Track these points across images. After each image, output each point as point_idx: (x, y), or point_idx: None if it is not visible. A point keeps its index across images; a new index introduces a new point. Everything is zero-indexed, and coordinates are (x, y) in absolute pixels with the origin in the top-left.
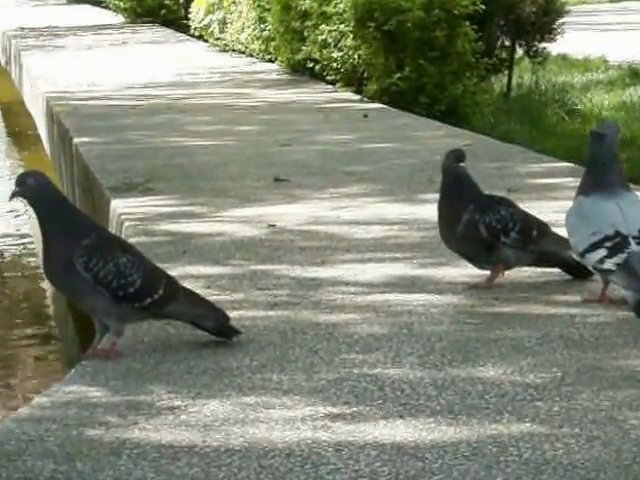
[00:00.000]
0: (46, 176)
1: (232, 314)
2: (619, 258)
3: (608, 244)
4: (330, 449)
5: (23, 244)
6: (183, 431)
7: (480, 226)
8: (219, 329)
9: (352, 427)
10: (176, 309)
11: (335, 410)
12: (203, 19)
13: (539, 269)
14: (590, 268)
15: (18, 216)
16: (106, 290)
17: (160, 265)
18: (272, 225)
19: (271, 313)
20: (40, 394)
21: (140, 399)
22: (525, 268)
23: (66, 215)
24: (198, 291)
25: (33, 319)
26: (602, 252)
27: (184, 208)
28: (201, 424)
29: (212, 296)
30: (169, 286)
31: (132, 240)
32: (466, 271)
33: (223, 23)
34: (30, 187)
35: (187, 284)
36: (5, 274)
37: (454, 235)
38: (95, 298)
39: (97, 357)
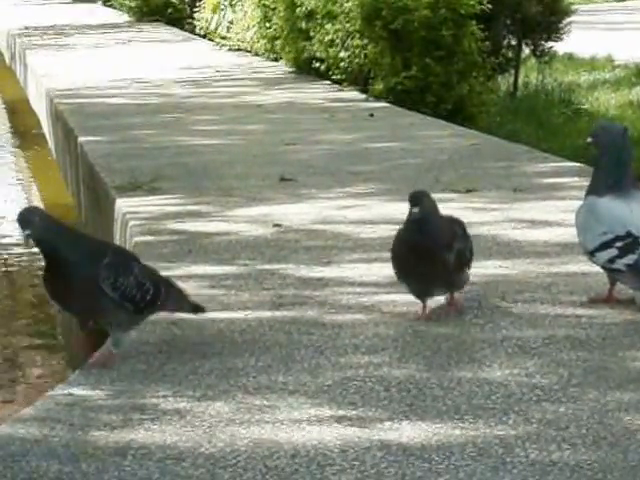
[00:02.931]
0: (42, 209)
1: (237, 314)
2: (629, 259)
3: (619, 244)
4: (336, 450)
5: (27, 248)
6: (188, 432)
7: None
8: (191, 308)
9: (358, 428)
10: (171, 303)
11: (341, 411)
12: (209, 18)
13: (546, 269)
14: (599, 266)
15: None
16: (131, 304)
17: (166, 265)
18: (278, 225)
19: (277, 313)
20: (44, 395)
21: (145, 400)
22: (532, 268)
23: (76, 240)
24: (204, 291)
25: (37, 320)
26: (612, 252)
27: (189, 207)
28: (206, 425)
29: (217, 296)
30: (164, 283)
31: (137, 239)
32: (473, 270)
33: (229, 22)
34: (38, 226)
35: (192, 283)
36: (10, 276)
37: None
38: (119, 314)
39: (98, 365)
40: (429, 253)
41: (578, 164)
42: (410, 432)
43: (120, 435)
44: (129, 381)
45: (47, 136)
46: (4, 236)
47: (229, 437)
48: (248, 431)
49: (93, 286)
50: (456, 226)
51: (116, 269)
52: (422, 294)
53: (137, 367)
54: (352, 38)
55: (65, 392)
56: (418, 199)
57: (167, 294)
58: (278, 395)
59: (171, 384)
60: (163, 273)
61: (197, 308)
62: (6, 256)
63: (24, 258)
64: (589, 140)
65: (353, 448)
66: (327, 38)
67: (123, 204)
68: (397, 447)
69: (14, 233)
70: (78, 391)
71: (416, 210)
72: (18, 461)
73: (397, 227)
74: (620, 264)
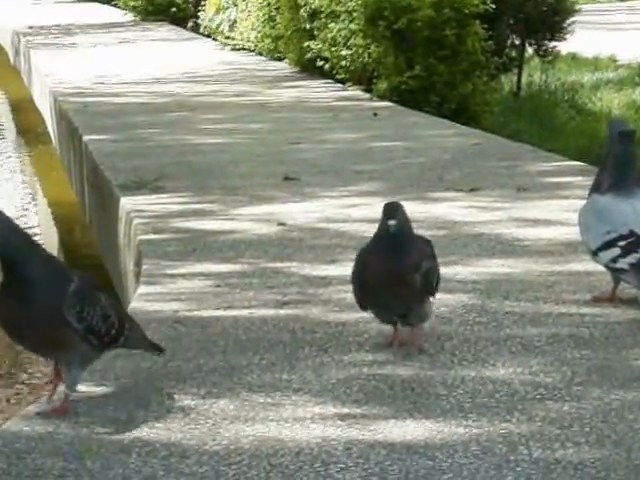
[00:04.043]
0: (6, 215)
1: (242, 312)
2: (633, 258)
3: (622, 243)
4: (340, 448)
5: None
6: (192, 429)
7: None
8: (150, 348)
9: (362, 426)
10: (134, 340)
11: (345, 409)
12: (213, 18)
13: (549, 268)
14: (602, 266)
15: (27, 222)
16: (96, 338)
17: (170, 263)
18: (282, 223)
19: (281, 312)
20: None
21: (149, 397)
22: (536, 267)
23: (42, 258)
24: (208, 290)
25: None
26: (616, 251)
27: (194, 206)
28: (210, 422)
29: (222, 294)
30: (127, 317)
31: (142, 238)
32: (476, 269)
33: (233, 21)
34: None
35: (196, 282)
36: None
37: None
38: (81, 349)
39: (54, 414)
40: (399, 272)
41: (581, 163)
42: (414, 430)
43: (124, 432)
44: (134, 378)
45: (51, 135)
46: None
47: (233, 435)
48: (252, 429)
49: (57, 314)
50: (426, 245)
51: (83, 297)
52: (390, 317)
53: (141, 364)
54: (355, 37)
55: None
56: (394, 211)
57: (131, 330)
58: (282, 393)
59: (175, 381)
60: (167, 272)
61: (157, 348)
62: None
63: None
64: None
65: (357, 446)
66: (330, 35)
67: (127, 203)
68: (401, 445)
69: None
70: (83, 388)
71: (393, 222)
72: (23, 458)
73: None
74: (623, 263)
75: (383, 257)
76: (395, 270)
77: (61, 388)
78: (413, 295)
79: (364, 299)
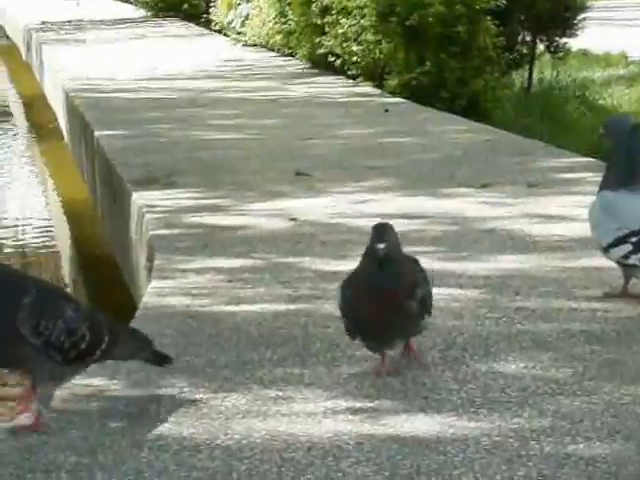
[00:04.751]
0: None
1: (254, 307)
2: None
3: (634, 239)
4: (351, 442)
5: (44, 238)
6: (204, 424)
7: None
8: (151, 358)
9: (373, 420)
10: (119, 351)
11: (356, 404)
12: (224, 13)
13: (560, 264)
14: (613, 262)
15: (39, 217)
16: (58, 354)
17: (182, 258)
18: (293, 219)
19: (292, 307)
20: (62, 387)
21: (161, 392)
22: (547, 262)
23: None
24: (220, 285)
25: None
26: (627, 247)
27: (206, 202)
28: (222, 417)
29: (234, 289)
30: (109, 327)
31: (153, 233)
32: (487, 265)
33: (244, 17)
34: None
35: (209, 277)
36: (26, 267)
37: None
38: (43, 366)
39: (24, 431)
40: (393, 298)
41: (592, 159)
42: (425, 425)
43: (137, 427)
44: (146, 373)
45: (63, 131)
46: (22, 232)
47: (245, 429)
48: (264, 423)
49: (9, 329)
50: (417, 267)
51: (40, 310)
52: (381, 346)
53: None
54: (367, 33)
55: (82, 384)
56: (384, 233)
57: (113, 342)
58: (294, 388)
59: (187, 376)
60: (179, 267)
61: (162, 358)
62: (22, 250)
63: (40, 254)
64: (602, 131)
65: (369, 441)
66: (341, 31)
67: (139, 198)
68: (412, 440)
69: (32, 229)
70: (95, 383)
71: (382, 246)
72: (36, 452)
73: (412, 221)
74: (635, 259)
75: (375, 283)
76: (390, 297)
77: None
78: (409, 321)
79: (354, 329)
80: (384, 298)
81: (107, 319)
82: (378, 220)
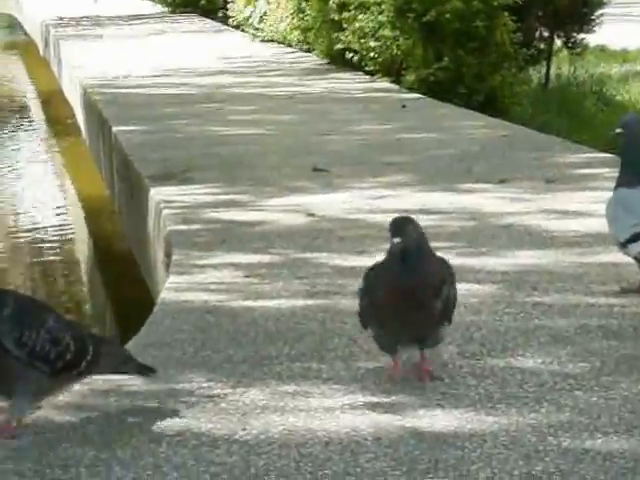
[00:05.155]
0: None
1: (271, 303)
2: None
3: None
4: (369, 437)
5: (62, 234)
6: (222, 419)
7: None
8: (135, 369)
9: (391, 416)
10: (103, 363)
11: (374, 399)
12: (242, 9)
13: (578, 259)
14: (630, 257)
15: (57, 212)
16: (45, 364)
17: (200, 254)
18: (311, 214)
19: (310, 302)
20: (80, 382)
21: (180, 387)
22: (564, 258)
23: None
24: (238, 280)
25: (72, 307)
26: None
27: (223, 197)
28: (240, 412)
29: (251, 285)
30: (93, 338)
31: (171, 229)
32: (505, 260)
33: (262, 13)
34: None
35: (226, 273)
36: (44, 263)
37: None
38: (29, 377)
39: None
40: (414, 296)
41: (609, 155)
42: (443, 420)
43: (155, 422)
44: (164, 368)
45: (81, 126)
46: (40, 227)
47: (263, 424)
48: (282, 419)
49: None
50: (444, 266)
51: (21, 320)
52: (395, 346)
53: (172, 354)
54: (384, 29)
55: (101, 379)
56: (400, 227)
57: (97, 353)
58: (312, 383)
59: (205, 371)
60: (197, 262)
61: (144, 369)
62: (41, 246)
63: (58, 250)
64: (617, 130)
65: (386, 436)
66: (358, 26)
67: (157, 194)
68: (430, 435)
69: (50, 225)
70: (114, 378)
71: (398, 240)
72: (54, 447)
73: (430, 217)
74: None
75: (398, 278)
76: (413, 293)
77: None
78: (431, 322)
79: (370, 318)
80: (409, 296)
81: (87, 330)
82: (396, 215)
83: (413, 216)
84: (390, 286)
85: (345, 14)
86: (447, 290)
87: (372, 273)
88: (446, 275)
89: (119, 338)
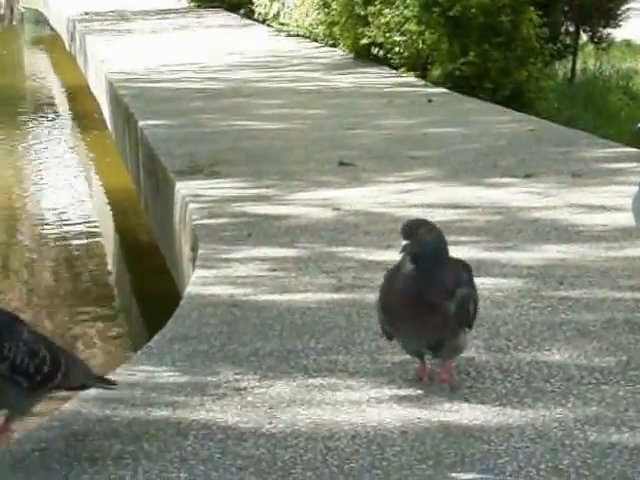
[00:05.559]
0: None
1: (297, 297)
2: None
3: None
4: (396, 431)
5: (88, 228)
6: (249, 412)
7: None
8: (97, 382)
9: (418, 409)
10: (74, 376)
11: (401, 392)
12: (268, 4)
13: (604, 253)
14: None
15: (83, 207)
16: (25, 379)
17: (226, 248)
18: (337, 208)
19: (336, 296)
20: (107, 375)
21: (206, 380)
22: (590, 252)
23: None
24: (264, 274)
25: (98, 301)
26: None
27: (249, 191)
28: (267, 405)
29: (277, 279)
30: (62, 351)
31: (197, 223)
32: (531, 255)
33: (287, 8)
34: None
35: (252, 267)
36: (71, 257)
37: None
38: (9, 392)
39: None
40: (423, 297)
41: (636, 149)
42: (470, 414)
43: (182, 415)
44: (190, 361)
45: (107, 121)
46: (67, 222)
47: (290, 418)
48: (308, 412)
49: None
50: (462, 270)
51: (0, 333)
52: (417, 349)
53: (198, 348)
54: (410, 24)
55: (128, 372)
56: (410, 230)
57: (68, 365)
58: (338, 377)
59: (232, 365)
60: (223, 256)
61: (105, 382)
62: (67, 239)
63: (84, 244)
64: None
65: (413, 429)
66: (384, 22)
67: (183, 188)
68: (457, 428)
69: (76, 219)
70: (140, 372)
71: (405, 243)
72: (81, 440)
73: (456, 211)
74: None
75: (408, 281)
76: (422, 296)
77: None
78: (445, 325)
79: (391, 329)
80: (418, 299)
81: (54, 342)
82: (421, 210)
83: (439, 210)
84: (399, 290)
85: (370, 9)
86: (462, 291)
87: (386, 280)
88: (462, 277)
89: (145, 331)
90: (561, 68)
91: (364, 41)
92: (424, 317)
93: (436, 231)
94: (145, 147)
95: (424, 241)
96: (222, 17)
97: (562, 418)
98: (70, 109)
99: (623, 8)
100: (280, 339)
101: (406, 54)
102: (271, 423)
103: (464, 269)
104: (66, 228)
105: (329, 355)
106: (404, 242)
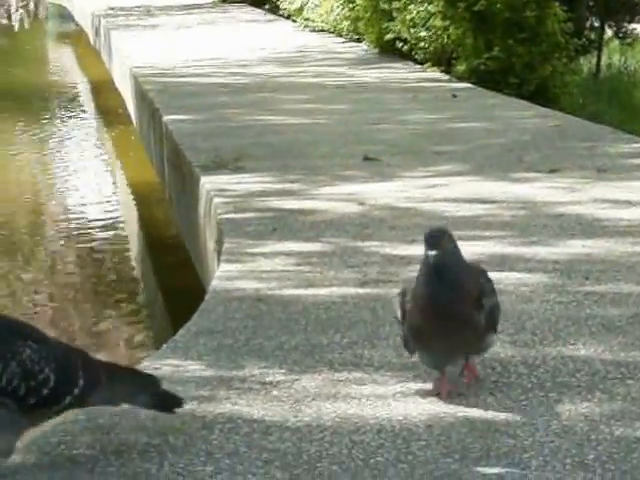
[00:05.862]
0: None
1: (322, 291)
2: None
3: None
4: (421, 425)
5: (113, 222)
6: (275, 406)
7: None
8: (154, 402)
9: (443, 403)
10: (101, 397)
11: (426, 386)
12: (293, 0)
13: (629, 248)
14: None
15: (109, 201)
16: (13, 400)
17: (251, 242)
18: (362, 203)
19: (361, 291)
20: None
21: (232, 374)
22: (616, 247)
23: None
24: (289, 268)
25: (122, 295)
26: None
27: (274, 186)
28: (292, 399)
29: (302, 273)
30: (88, 371)
31: (222, 217)
32: (557, 250)
33: (312, 3)
34: None
35: (278, 261)
36: (96, 251)
37: None
38: None
39: None
40: (454, 310)
41: None
42: (495, 408)
43: (207, 409)
44: (216, 356)
45: (132, 115)
46: (91, 214)
47: (315, 412)
48: (334, 406)
49: None
50: (482, 277)
51: None
52: (443, 363)
53: (224, 342)
54: (434, 19)
55: (153, 366)
56: (436, 240)
57: (92, 386)
58: (363, 371)
59: (257, 359)
60: (248, 251)
61: (170, 400)
62: (92, 233)
63: (109, 238)
64: None
65: (438, 423)
66: (409, 17)
67: (208, 182)
68: (482, 423)
69: (100, 213)
70: (165, 366)
71: (433, 253)
72: (107, 434)
73: (481, 206)
74: None
75: (435, 294)
76: (452, 310)
77: None
78: (477, 340)
79: (414, 342)
80: (445, 313)
81: (90, 358)
82: (446, 205)
83: (464, 205)
84: (427, 303)
85: (395, 4)
86: (489, 301)
87: (406, 295)
88: (484, 287)
89: (170, 326)
90: (586, 63)
91: (389, 36)
92: (455, 330)
93: (454, 240)
94: (170, 142)
95: (449, 251)
96: (247, 12)
97: (588, 413)
98: (95, 104)
99: None
100: (305, 333)
101: (431, 49)
102: (296, 417)
103: (482, 275)
104: (91, 223)
105: (354, 349)
106: (431, 252)
